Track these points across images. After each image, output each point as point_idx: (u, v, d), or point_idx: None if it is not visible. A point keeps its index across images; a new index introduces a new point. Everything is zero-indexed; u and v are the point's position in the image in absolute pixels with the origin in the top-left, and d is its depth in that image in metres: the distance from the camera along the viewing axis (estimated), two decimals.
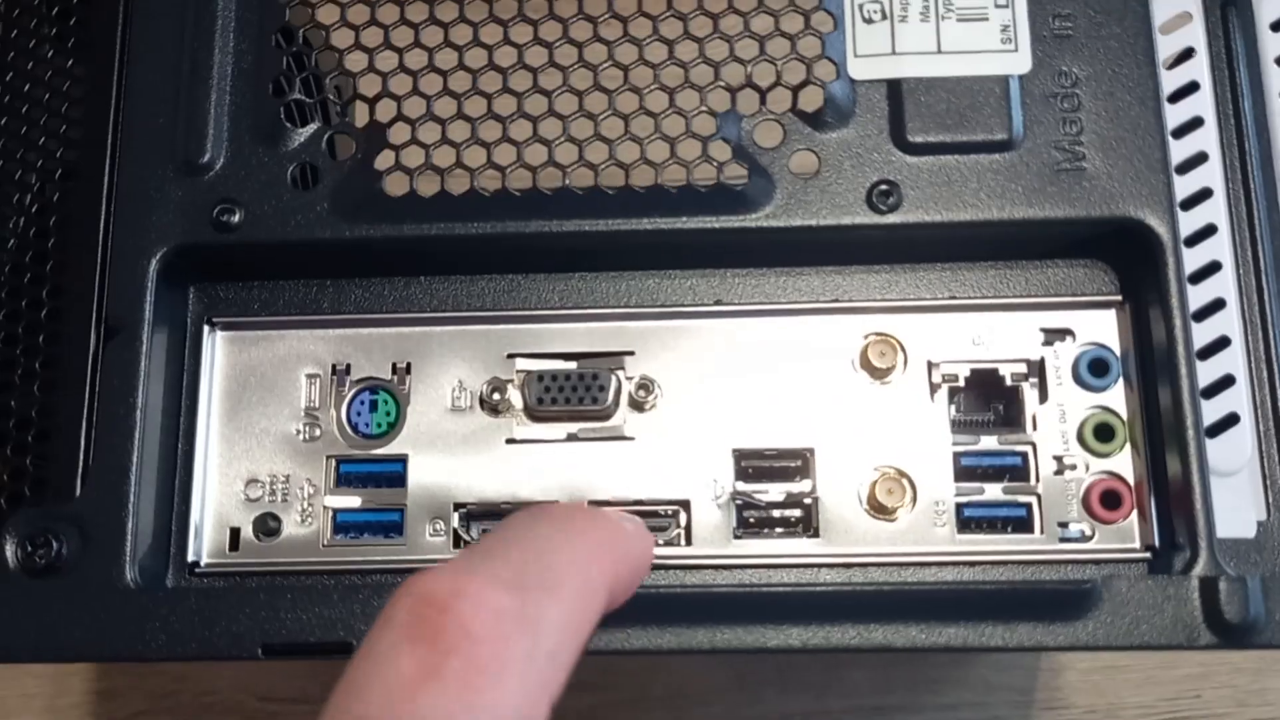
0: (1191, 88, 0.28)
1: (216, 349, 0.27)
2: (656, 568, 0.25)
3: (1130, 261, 0.26)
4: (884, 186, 0.25)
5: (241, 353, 0.27)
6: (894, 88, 0.26)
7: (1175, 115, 0.28)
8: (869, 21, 0.26)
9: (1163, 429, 0.25)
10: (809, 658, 0.57)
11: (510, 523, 0.19)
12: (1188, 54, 0.28)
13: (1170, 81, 0.28)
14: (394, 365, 0.26)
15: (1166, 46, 0.28)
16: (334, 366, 0.27)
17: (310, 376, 0.26)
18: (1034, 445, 0.26)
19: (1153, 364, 0.25)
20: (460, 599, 0.16)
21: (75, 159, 0.26)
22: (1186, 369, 0.25)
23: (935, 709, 0.49)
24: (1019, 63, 0.26)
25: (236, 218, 0.25)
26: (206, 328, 0.26)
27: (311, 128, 0.26)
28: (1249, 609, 0.23)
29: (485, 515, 0.26)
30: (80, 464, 0.24)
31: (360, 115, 0.26)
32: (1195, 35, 0.28)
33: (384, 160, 0.25)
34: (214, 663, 0.24)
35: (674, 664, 0.49)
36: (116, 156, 0.25)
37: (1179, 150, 0.27)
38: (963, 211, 0.25)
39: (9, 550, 0.24)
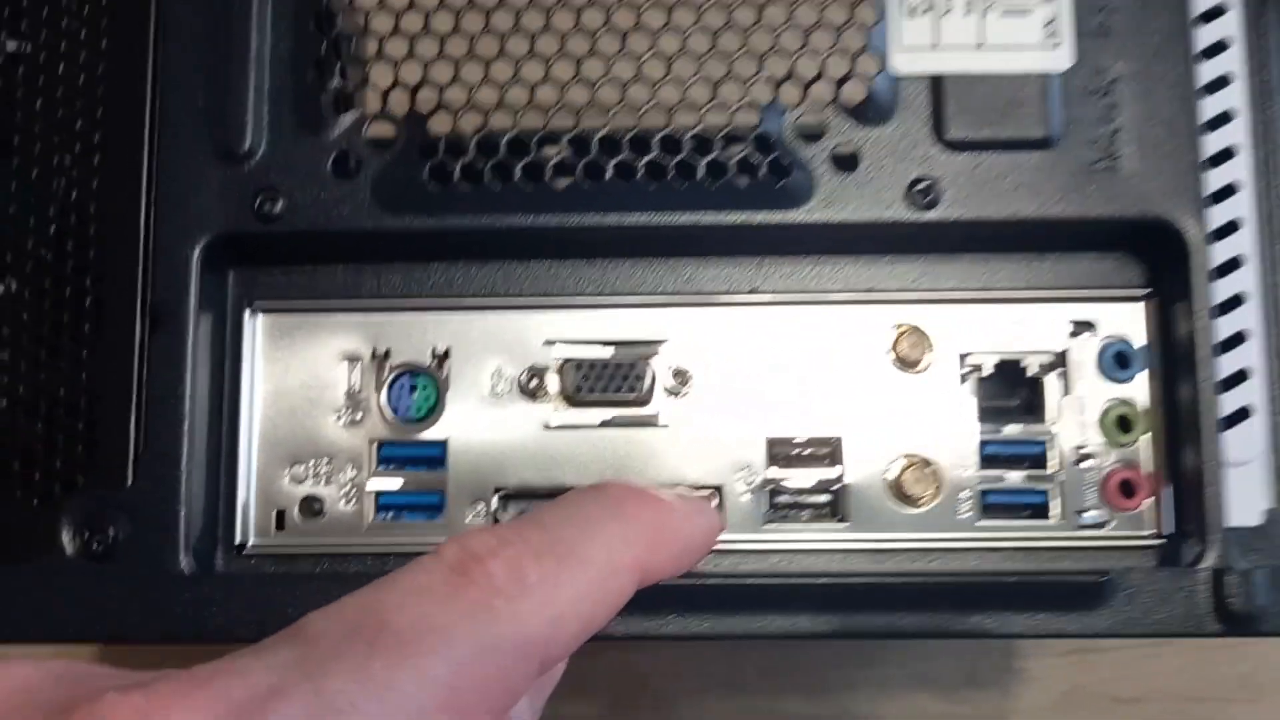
0: (1223, 81, 0.28)
1: (259, 332, 0.27)
2: None
3: (1158, 257, 0.27)
4: (923, 183, 0.25)
5: (284, 336, 0.27)
6: (936, 83, 0.26)
7: (1207, 108, 0.28)
8: (913, 14, 0.26)
9: (1180, 421, 0.26)
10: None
11: (569, 495, 0.21)
12: (1221, 46, 0.28)
13: (1204, 74, 0.28)
14: (433, 350, 0.27)
15: (1202, 38, 0.28)
16: (374, 351, 0.27)
17: (351, 360, 0.27)
18: (1055, 434, 0.27)
19: (1174, 358, 0.26)
20: (494, 557, 0.19)
21: (113, 143, 0.25)
22: (1207, 364, 0.25)
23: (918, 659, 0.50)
24: (1061, 59, 0.26)
25: (278, 207, 0.25)
26: (248, 311, 0.27)
27: (352, 115, 0.26)
28: (1254, 599, 0.24)
29: (523, 497, 0.27)
30: (131, 451, 0.25)
31: (400, 103, 0.26)
32: (1231, 27, 0.28)
33: (425, 150, 0.25)
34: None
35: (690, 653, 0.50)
36: (156, 142, 0.25)
37: (1208, 144, 0.28)
38: (999, 209, 0.26)
39: (65, 536, 0.24)
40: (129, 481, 0.24)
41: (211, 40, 0.26)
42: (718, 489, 0.27)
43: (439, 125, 0.25)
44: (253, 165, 0.25)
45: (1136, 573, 0.25)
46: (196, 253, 0.25)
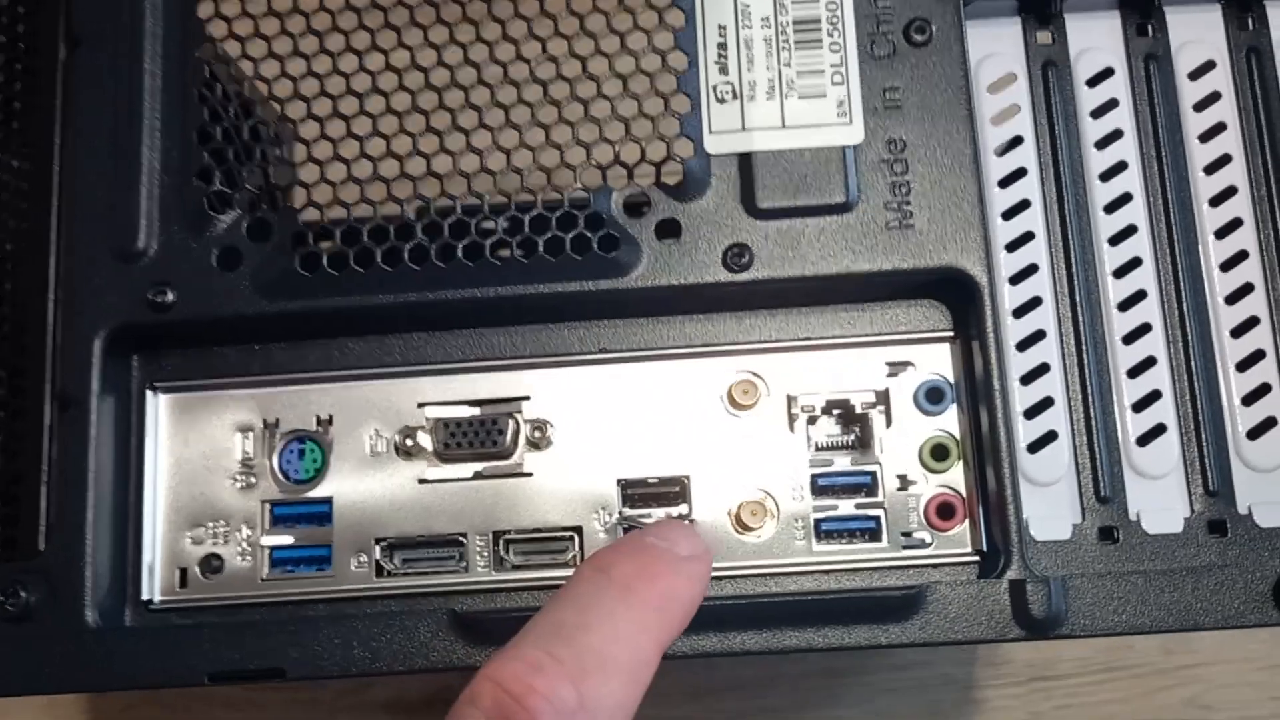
0: (1016, 141, 0.32)
1: (160, 410, 0.30)
2: (547, 587, 0.29)
3: (958, 302, 0.30)
4: (737, 249, 0.29)
5: (183, 412, 0.30)
6: (745, 160, 0.29)
7: (1001, 166, 0.31)
8: (722, 101, 0.29)
9: (985, 448, 0.29)
10: None
11: (575, 589, 0.22)
12: (1014, 110, 0.32)
13: (997, 136, 0.32)
14: (318, 417, 0.30)
15: (994, 104, 0.32)
16: (265, 420, 0.30)
17: (244, 430, 0.30)
18: (881, 464, 0.30)
19: (977, 391, 0.29)
20: (532, 694, 0.19)
21: (21, 248, 0.29)
22: (1001, 396, 0.28)
23: (887, 669, 0.52)
24: (853, 134, 0.29)
25: (169, 298, 0.29)
26: (150, 391, 0.30)
27: (233, 214, 0.29)
28: (1051, 606, 0.27)
29: (403, 546, 0.30)
30: (43, 522, 0.28)
31: (276, 200, 0.29)
32: (1020, 93, 0.32)
33: (298, 241, 0.29)
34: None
35: None
36: (60, 246, 0.29)
37: (1005, 198, 0.31)
38: (807, 267, 0.29)
39: None
40: (41, 548, 0.27)
41: (108, 154, 0.29)
42: (577, 529, 0.30)
43: (309, 217, 0.29)
44: (146, 262, 0.29)
45: (944, 585, 0.27)
46: (98, 342, 0.28)
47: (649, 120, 0.29)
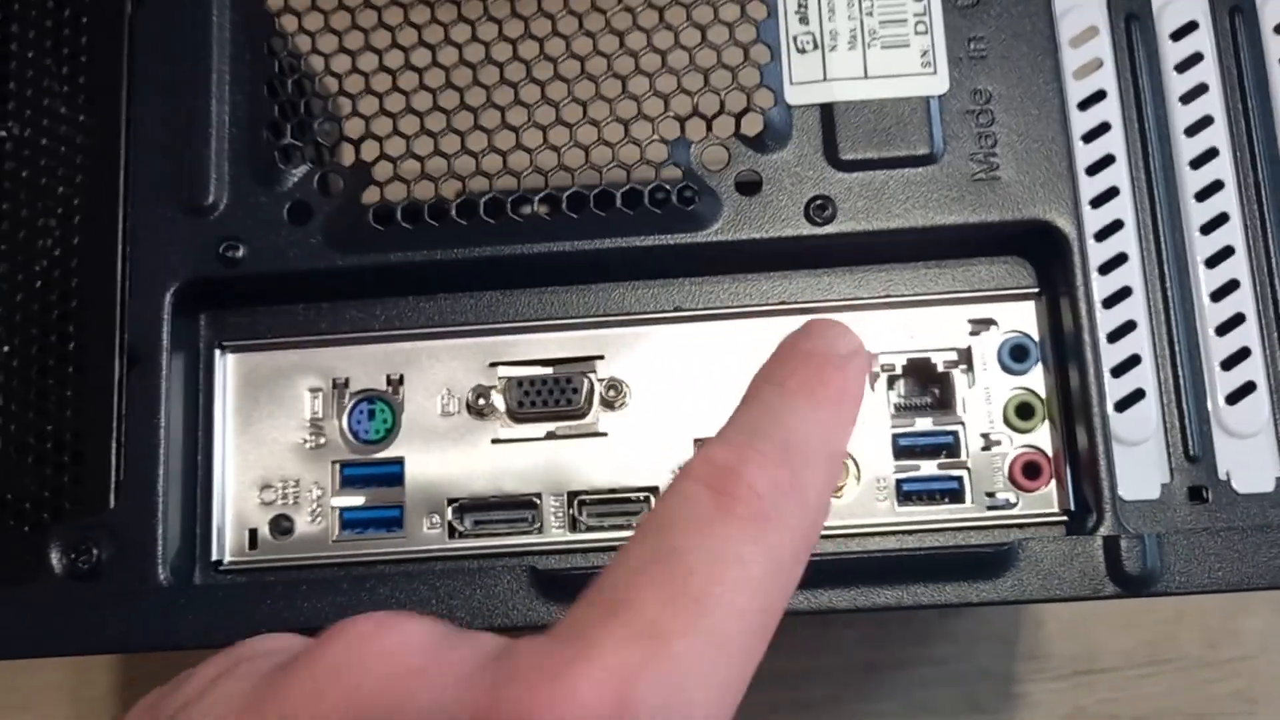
0: (1099, 95, 0.31)
1: (229, 369, 0.29)
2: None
3: (1044, 258, 0.29)
4: (820, 201, 0.28)
5: (251, 371, 0.30)
6: (826, 111, 0.29)
7: (1085, 121, 0.31)
8: (802, 51, 0.29)
9: (1074, 407, 0.28)
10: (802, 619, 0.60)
11: (759, 402, 0.22)
12: (1096, 64, 0.31)
13: (1080, 90, 0.31)
14: (388, 377, 0.29)
15: (1076, 58, 0.31)
16: (334, 380, 0.29)
17: (313, 390, 0.29)
18: (964, 424, 0.29)
19: (1065, 349, 0.29)
20: (747, 465, 0.20)
21: (91, 204, 0.28)
22: (1092, 352, 0.28)
23: (925, 663, 0.51)
24: (938, 84, 0.29)
25: (240, 253, 0.28)
26: (218, 351, 0.29)
27: (304, 168, 0.29)
28: (1146, 562, 0.26)
29: (475, 508, 0.29)
30: (113, 479, 0.27)
31: (347, 155, 0.28)
32: (1102, 47, 0.31)
33: (370, 195, 0.28)
34: None
35: None
36: (129, 201, 0.28)
37: (1089, 153, 0.30)
38: (891, 220, 0.28)
39: (54, 558, 0.27)
40: (111, 506, 0.27)
41: (176, 108, 0.29)
42: (653, 490, 0.29)
43: (381, 173, 0.28)
44: (216, 217, 0.28)
45: (1035, 542, 0.27)
46: (168, 297, 0.28)
47: (728, 71, 0.28)
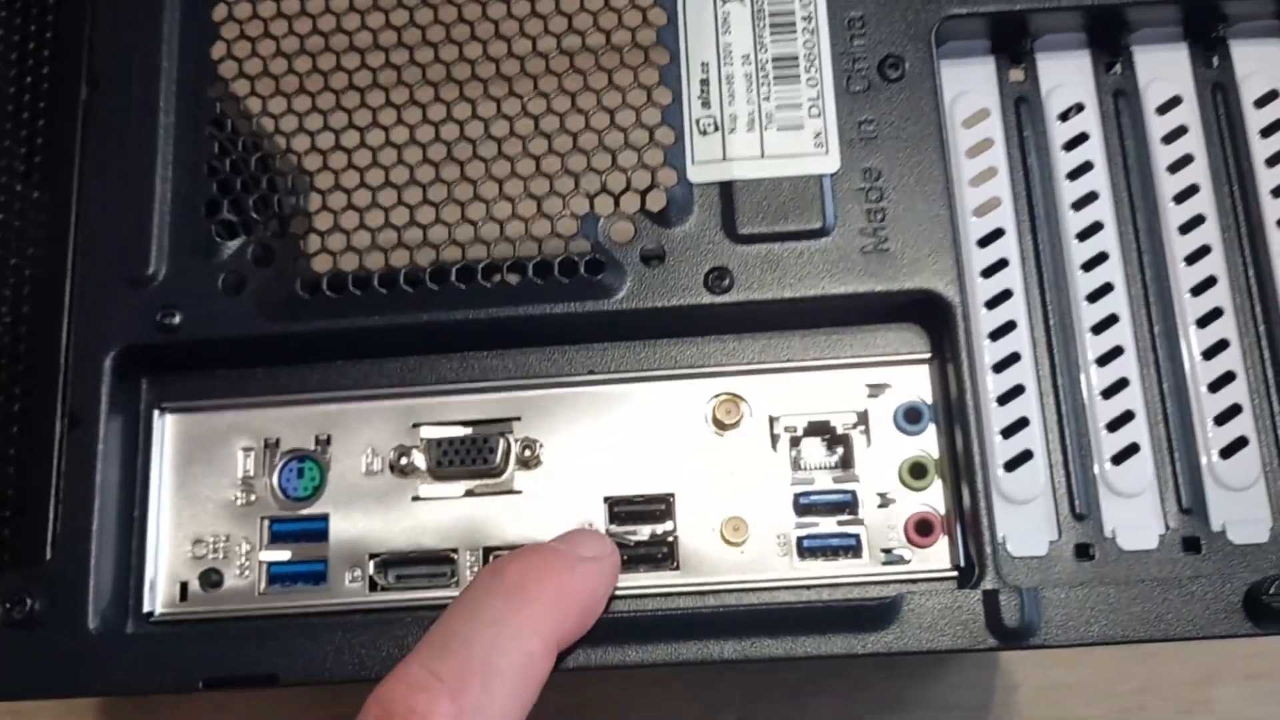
0: (990, 172, 0.33)
1: (167, 429, 0.31)
2: None
3: (933, 325, 0.31)
4: (717, 272, 0.30)
5: (188, 431, 0.31)
6: (726, 188, 0.31)
7: (977, 196, 0.33)
8: (704, 133, 0.31)
9: (961, 466, 0.30)
10: (776, 686, 0.61)
11: (471, 592, 0.24)
12: (988, 144, 0.33)
13: (972, 168, 0.33)
14: (317, 437, 0.31)
15: (969, 138, 0.33)
16: (266, 440, 0.31)
17: (246, 449, 0.31)
18: (861, 483, 0.31)
19: (953, 412, 0.30)
20: (412, 716, 0.21)
21: (41, 274, 0.30)
22: (975, 415, 0.29)
23: None
24: (830, 163, 0.31)
25: (176, 320, 0.30)
26: (157, 412, 0.31)
27: (238, 241, 0.31)
28: (1024, 615, 0.27)
29: (396, 563, 0.31)
30: (50, 533, 0.29)
31: (277, 229, 0.31)
32: (993, 128, 0.33)
33: (300, 266, 0.30)
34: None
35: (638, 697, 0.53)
36: (76, 272, 0.30)
37: (980, 226, 0.32)
38: (785, 290, 0.30)
39: None
40: (47, 558, 0.29)
41: (123, 185, 0.31)
42: None
43: (310, 246, 0.30)
44: (155, 286, 0.30)
45: (918, 596, 0.28)
46: (108, 362, 0.30)
47: (635, 151, 0.30)
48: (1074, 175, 0.33)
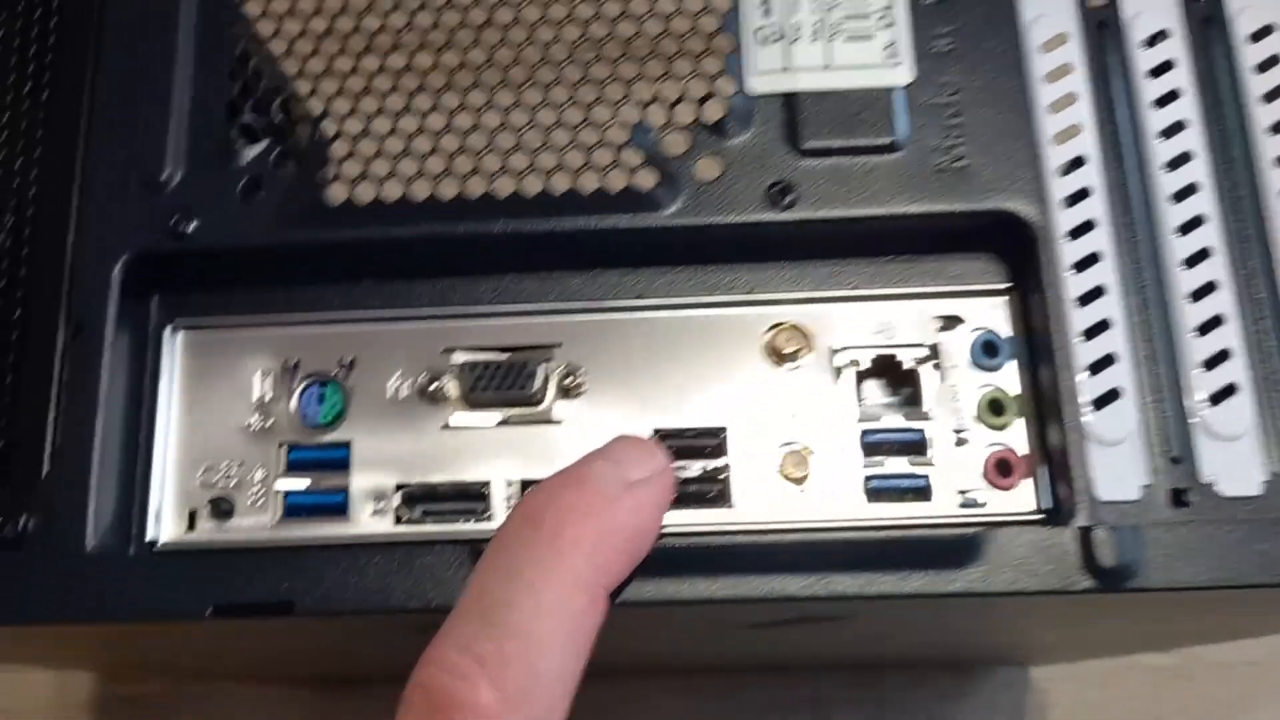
0: (1070, 99, 0.31)
1: (178, 348, 0.29)
2: None
3: (1014, 253, 0.28)
4: (780, 186, 0.28)
5: (201, 351, 0.29)
6: (789, 99, 0.28)
7: (1056, 123, 0.30)
8: (765, 43, 0.29)
9: (1047, 404, 0.27)
10: (800, 701, 0.58)
11: (503, 551, 0.22)
12: (1066, 69, 0.31)
13: (1051, 93, 0.31)
14: (339, 360, 0.29)
15: (1047, 63, 0.31)
16: (285, 362, 0.29)
17: (264, 372, 0.29)
18: (933, 421, 0.28)
19: (1037, 346, 0.28)
20: (454, 708, 0.20)
21: (47, 177, 0.28)
22: (1064, 349, 0.27)
23: None
24: (901, 75, 0.28)
25: (191, 226, 0.28)
26: (168, 329, 0.29)
27: (259, 146, 0.28)
28: (1122, 554, 0.25)
29: (424, 495, 0.28)
30: (47, 447, 0.26)
31: (303, 134, 0.28)
32: (1073, 53, 0.31)
33: (324, 173, 0.28)
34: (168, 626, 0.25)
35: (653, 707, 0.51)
36: (85, 175, 0.28)
37: (1060, 154, 0.30)
38: (853, 207, 0.28)
39: None
40: (43, 473, 0.26)
41: (139, 87, 0.29)
42: None
43: (337, 151, 0.28)
44: (170, 191, 0.28)
45: (1008, 530, 0.25)
46: (117, 268, 0.27)
47: (691, 59, 0.28)
48: (1160, 103, 0.30)
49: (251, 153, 0.28)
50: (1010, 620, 0.35)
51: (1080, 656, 0.59)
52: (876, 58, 0.29)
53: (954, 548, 0.25)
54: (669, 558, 0.26)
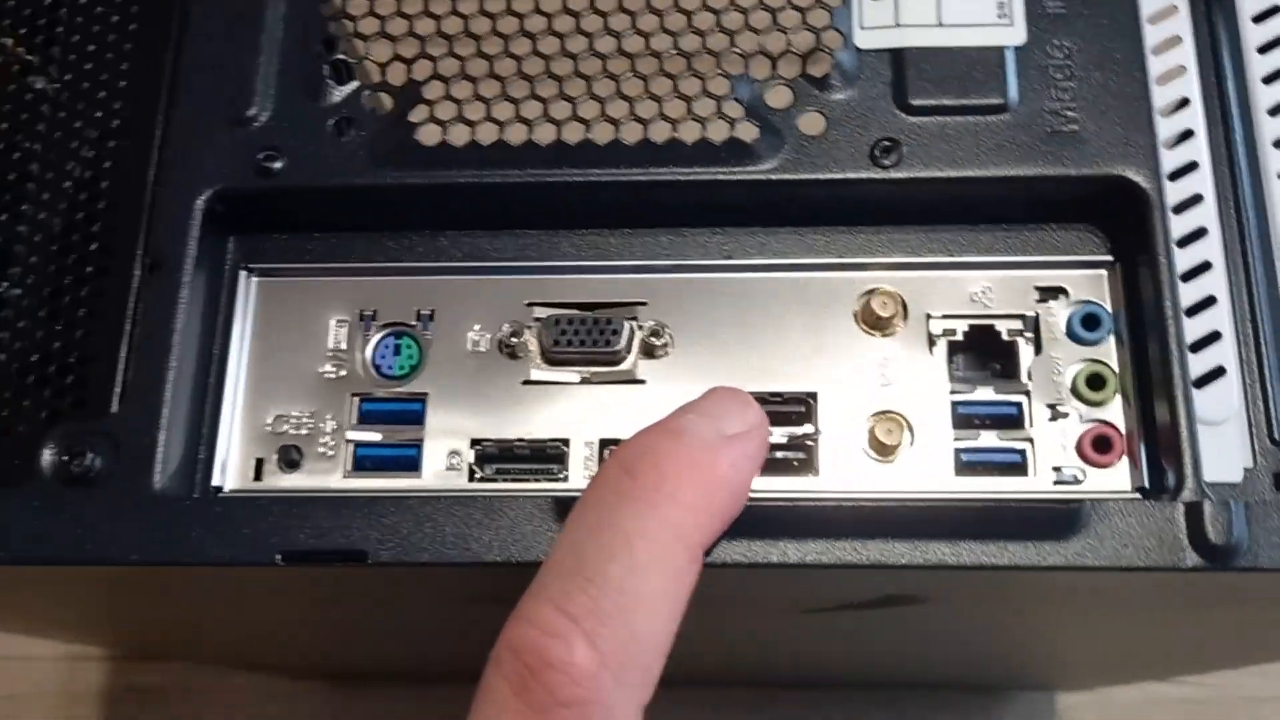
0: (1178, 71, 0.30)
1: (253, 293, 0.28)
2: None
3: (1120, 223, 0.27)
4: (886, 143, 0.27)
5: (276, 297, 0.28)
6: (897, 55, 0.27)
7: (1164, 95, 0.29)
8: None
9: (1151, 380, 0.26)
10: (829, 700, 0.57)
11: (597, 504, 0.21)
12: (1175, 41, 0.30)
13: (1158, 65, 0.30)
14: (418, 312, 0.28)
15: (1155, 35, 0.30)
16: (361, 312, 0.28)
17: (339, 321, 0.28)
18: (1029, 394, 0.27)
19: (1141, 319, 0.27)
20: (548, 669, 0.19)
21: (130, 112, 0.27)
22: (1174, 323, 0.26)
23: None
24: (1015, 35, 0.27)
25: (279, 164, 0.27)
26: (244, 273, 0.28)
27: (352, 85, 0.28)
28: (1232, 531, 0.24)
29: (499, 453, 0.27)
30: (118, 384, 0.25)
31: (398, 75, 0.28)
32: (1182, 25, 0.30)
33: (418, 114, 0.27)
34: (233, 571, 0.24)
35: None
36: (170, 109, 0.27)
37: (1167, 127, 0.29)
38: (960, 168, 0.27)
39: (46, 460, 0.25)
40: (113, 409, 0.25)
41: (229, 19, 0.28)
42: None
43: (432, 93, 0.27)
44: (258, 127, 0.27)
45: (1113, 503, 0.24)
46: (199, 204, 0.27)
47: (797, 11, 0.27)
48: (1270, 80, 0.29)
49: (342, 93, 0.28)
50: (1082, 615, 0.34)
51: (1115, 679, 0.58)
52: (989, 16, 0.28)
53: (1054, 520, 0.24)
54: (757, 521, 0.25)
